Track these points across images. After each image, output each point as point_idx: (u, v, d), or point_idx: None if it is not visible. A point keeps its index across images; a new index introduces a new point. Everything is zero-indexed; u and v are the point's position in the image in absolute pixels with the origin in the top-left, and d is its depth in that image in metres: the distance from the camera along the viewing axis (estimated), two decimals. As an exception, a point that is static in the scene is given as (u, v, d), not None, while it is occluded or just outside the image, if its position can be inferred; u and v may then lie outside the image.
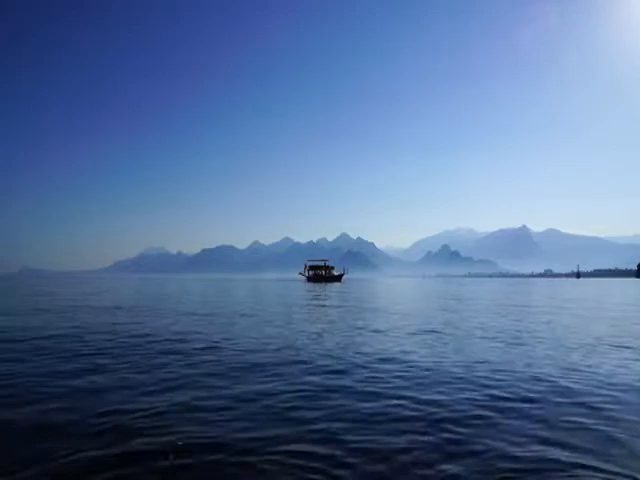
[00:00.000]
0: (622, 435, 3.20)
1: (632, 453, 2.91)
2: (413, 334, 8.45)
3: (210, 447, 2.97)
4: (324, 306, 16.18)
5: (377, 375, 5.03)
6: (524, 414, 3.70)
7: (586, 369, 5.39)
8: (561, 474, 2.62)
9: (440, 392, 4.33)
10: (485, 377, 4.93)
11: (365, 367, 5.45)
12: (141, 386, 4.53)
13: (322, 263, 67.59)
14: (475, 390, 4.41)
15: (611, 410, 3.80)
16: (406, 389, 4.45)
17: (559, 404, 3.96)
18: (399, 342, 7.45)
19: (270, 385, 4.58)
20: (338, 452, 2.91)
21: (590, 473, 2.62)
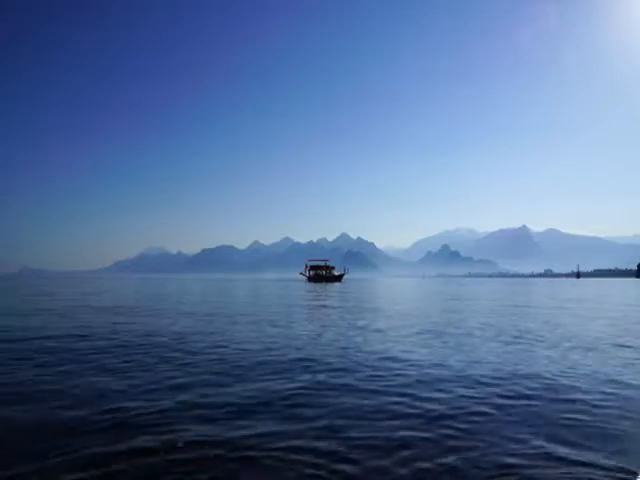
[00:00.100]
0: (622, 432, 3.23)
1: (632, 450, 2.93)
2: (413, 334, 8.47)
3: (212, 443, 2.99)
4: (325, 306, 16.20)
5: (378, 373, 5.05)
6: (524, 411, 3.72)
7: (586, 368, 5.41)
8: (560, 470, 2.65)
9: (440, 390, 4.36)
10: (485, 375, 4.96)
11: (366, 366, 5.48)
12: (143, 384, 4.56)
13: (323, 263, 67.63)
14: (475, 388, 4.43)
15: (611, 408, 3.82)
16: (407, 387, 4.48)
17: (559, 402, 3.99)
18: (399, 341, 7.48)
19: (271, 383, 4.61)
20: (340, 448, 2.94)
21: (590, 470, 2.65)
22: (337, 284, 51.30)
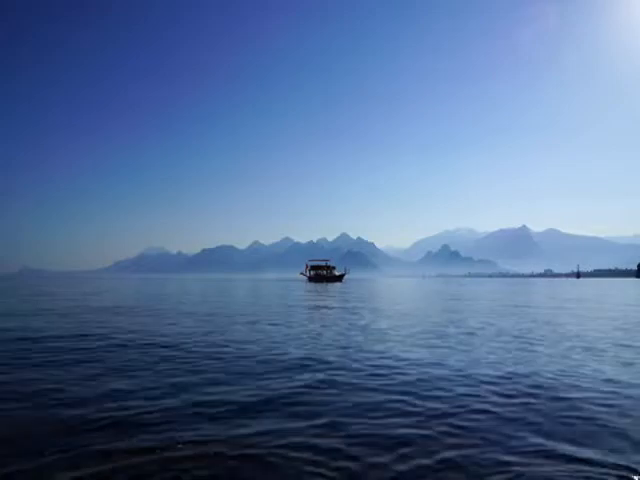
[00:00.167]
0: (621, 431, 3.25)
1: (631, 448, 2.95)
2: (413, 333, 8.48)
3: (212, 441, 3.00)
4: (325, 306, 16.21)
5: (378, 372, 5.07)
6: (523, 409, 3.73)
7: (586, 368, 5.43)
8: (560, 467, 2.66)
9: (440, 388, 4.38)
10: (485, 375, 4.97)
11: (366, 365, 5.49)
12: (143, 384, 4.57)
13: (323, 263, 67.64)
14: (475, 387, 4.45)
15: (611, 407, 3.83)
16: (407, 385, 4.50)
17: (559, 400, 4.00)
18: (400, 341, 7.49)
19: (271, 382, 4.62)
20: (340, 445, 2.95)
21: (588, 467, 2.66)
22: (338, 284, 51.29)
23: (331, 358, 5.90)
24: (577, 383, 4.60)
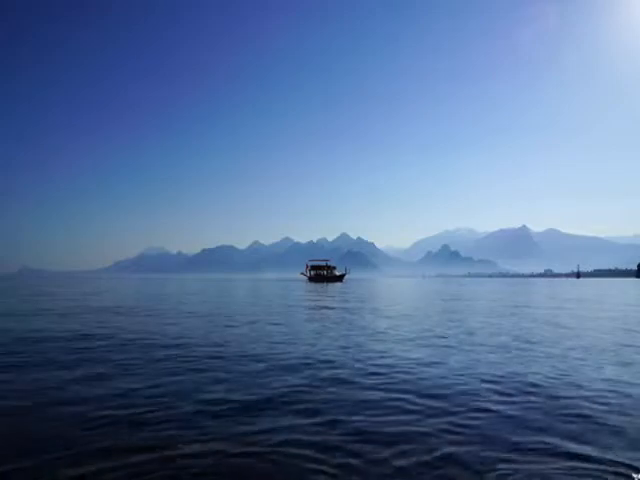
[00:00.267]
0: (621, 428, 3.27)
1: (630, 444, 2.97)
2: (414, 333, 8.51)
3: (212, 440, 3.02)
4: (325, 306, 16.23)
5: (379, 371, 5.09)
6: (523, 407, 3.76)
7: (586, 367, 5.45)
8: (559, 464, 2.68)
9: (440, 387, 4.40)
10: (485, 374, 4.99)
11: (366, 364, 5.51)
12: (143, 383, 4.59)
13: (324, 263, 67.63)
14: (475, 385, 4.47)
15: (611, 405, 3.86)
16: (407, 383, 4.53)
17: (559, 398, 4.03)
18: (400, 341, 7.51)
19: (272, 380, 4.64)
20: (340, 441, 2.97)
21: (587, 464, 2.68)
22: (338, 284, 51.30)
23: (331, 357, 5.92)
24: (577, 382, 4.62)
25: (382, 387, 4.38)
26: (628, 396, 4.11)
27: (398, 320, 10.88)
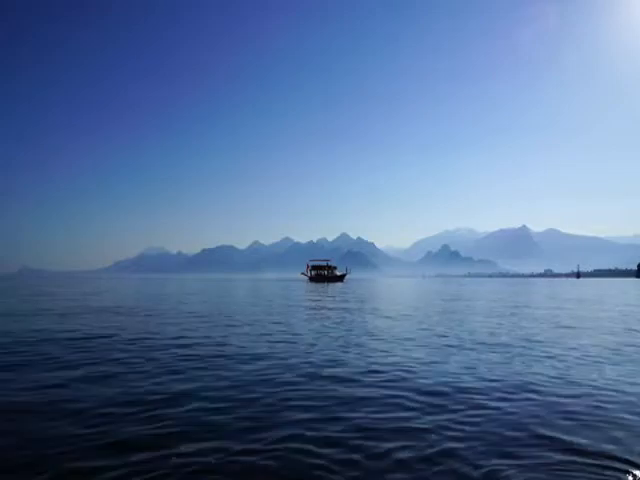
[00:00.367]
0: (620, 426, 3.30)
1: (629, 441, 3.00)
2: (414, 333, 8.53)
3: (215, 438, 3.05)
4: (326, 306, 16.25)
5: (379, 369, 5.12)
6: (524, 404, 3.80)
7: (586, 367, 5.50)
8: (559, 458, 2.71)
9: (441, 384, 4.44)
10: (485, 372, 5.04)
11: (367, 363, 5.55)
12: (143, 382, 4.63)
13: (324, 263, 67.57)
14: (475, 384, 4.51)
15: (610, 403, 3.89)
16: (407, 381, 4.56)
17: (559, 396, 4.06)
18: (400, 340, 7.54)
19: (272, 379, 4.67)
20: (341, 436, 3.01)
21: (587, 459, 2.72)
22: (339, 284, 51.31)
23: (332, 356, 5.95)
24: (577, 380, 4.66)
25: (382, 385, 4.42)
26: (628, 395, 4.14)
27: (398, 320, 10.90)
